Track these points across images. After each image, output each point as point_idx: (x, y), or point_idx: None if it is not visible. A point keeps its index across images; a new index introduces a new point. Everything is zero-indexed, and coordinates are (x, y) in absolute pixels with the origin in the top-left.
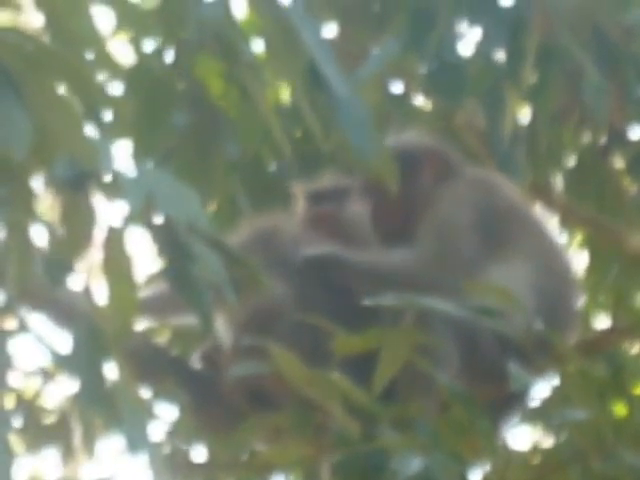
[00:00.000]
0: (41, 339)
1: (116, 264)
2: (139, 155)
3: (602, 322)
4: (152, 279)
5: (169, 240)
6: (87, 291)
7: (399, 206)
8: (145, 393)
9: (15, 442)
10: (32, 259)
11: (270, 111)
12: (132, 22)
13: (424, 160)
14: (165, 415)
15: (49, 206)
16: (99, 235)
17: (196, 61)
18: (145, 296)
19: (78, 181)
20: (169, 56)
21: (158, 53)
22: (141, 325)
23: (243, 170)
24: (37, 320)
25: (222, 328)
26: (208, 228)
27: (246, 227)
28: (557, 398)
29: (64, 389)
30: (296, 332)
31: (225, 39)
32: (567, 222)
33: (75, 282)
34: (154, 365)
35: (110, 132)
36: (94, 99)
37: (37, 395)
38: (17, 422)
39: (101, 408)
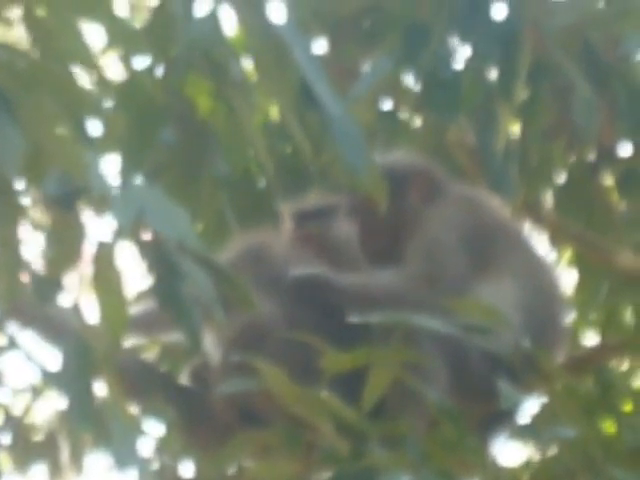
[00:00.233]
0: (30, 356)
1: (106, 280)
2: (128, 171)
3: (591, 339)
4: (141, 296)
5: (158, 257)
6: (76, 307)
7: (386, 226)
8: (134, 409)
9: (3, 459)
10: (22, 275)
11: (256, 130)
12: (122, 39)
13: (411, 180)
14: (153, 431)
15: (39, 222)
16: (89, 250)
17: (185, 79)
18: (134, 313)
19: (68, 198)
20: (159, 73)
21: (148, 70)
22: (130, 342)
23: (231, 187)
24: (26, 337)
25: (211, 345)
26: (197, 245)
27: (235, 244)
28: (546, 415)
29: (53, 406)
30: (285, 349)
31: (214, 57)
32: (556, 239)
33: (65, 298)
34: (143, 382)
35: (100, 147)
36: (84, 114)
37: (26, 412)
38: (5, 439)
39: (90, 424)
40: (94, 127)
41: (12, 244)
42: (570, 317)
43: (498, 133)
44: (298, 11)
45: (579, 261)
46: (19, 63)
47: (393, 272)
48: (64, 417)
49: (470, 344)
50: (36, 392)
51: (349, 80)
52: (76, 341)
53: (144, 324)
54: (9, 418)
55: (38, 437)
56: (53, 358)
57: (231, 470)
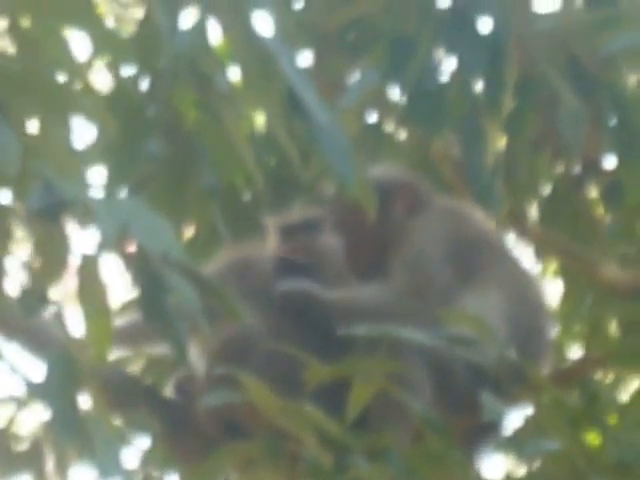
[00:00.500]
0: (15, 367)
1: (90, 292)
2: (114, 183)
3: (576, 352)
4: (126, 308)
5: (143, 269)
6: (61, 320)
7: (372, 238)
8: (118, 421)
9: None
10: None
11: (243, 142)
12: (109, 47)
13: (396, 193)
14: (138, 444)
15: (24, 234)
16: (73, 263)
17: (172, 90)
18: (119, 325)
19: (53, 210)
20: (145, 84)
21: (134, 81)
22: (115, 354)
23: (219, 198)
24: (11, 348)
25: (195, 357)
26: (182, 257)
27: (222, 257)
28: (531, 428)
29: (37, 417)
30: (269, 362)
31: (200, 68)
32: (541, 251)
33: (49, 310)
34: (127, 394)
35: (86, 159)
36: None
37: (10, 423)
38: None
39: (74, 436)
40: (81, 138)
41: None
42: (555, 329)
43: (484, 146)
44: (283, 23)
45: (564, 273)
46: (12, 68)
47: (379, 285)
48: (48, 428)
49: (455, 356)
50: (20, 403)
51: (334, 93)
52: (60, 353)
53: (129, 336)
54: None
55: (22, 447)
56: (37, 369)
57: None
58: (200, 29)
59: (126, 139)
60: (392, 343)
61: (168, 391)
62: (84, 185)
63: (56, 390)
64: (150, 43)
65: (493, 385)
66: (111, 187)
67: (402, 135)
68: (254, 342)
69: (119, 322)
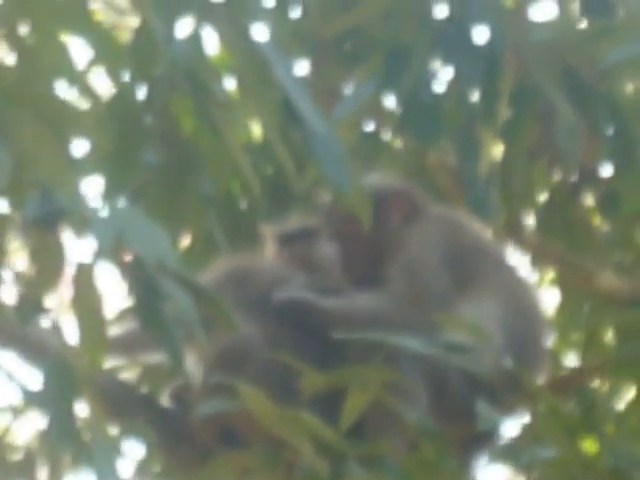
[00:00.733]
0: (11, 376)
1: (86, 301)
2: (110, 192)
3: (573, 360)
4: (122, 316)
5: (139, 278)
6: (57, 328)
7: (368, 247)
8: (114, 430)
9: None
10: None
11: (240, 150)
12: (107, 54)
13: (391, 202)
14: (134, 452)
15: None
16: (69, 272)
17: (168, 98)
18: (115, 334)
19: (49, 219)
20: (142, 93)
21: (131, 89)
22: (111, 362)
23: (216, 207)
24: (7, 357)
25: (192, 366)
26: (178, 266)
27: (219, 265)
28: (527, 436)
29: (33, 426)
30: (266, 370)
31: (196, 77)
32: (538, 260)
33: (45, 319)
34: (123, 402)
35: (82, 168)
36: (68, 132)
37: (6, 432)
38: None
39: (70, 445)
40: (77, 148)
41: None
42: (551, 338)
43: (480, 155)
44: (280, 32)
45: (560, 282)
46: (8, 78)
47: (375, 293)
48: (45, 436)
49: (451, 364)
50: (16, 412)
51: (331, 101)
52: (57, 361)
53: (125, 345)
54: None
55: (17, 456)
56: (34, 378)
57: None
58: (196, 38)
59: (123, 147)
60: (388, 351)
61: (164, 400)
62: (80, 194)
63: (53, 398)
64: (146, 51)
65: (489, 393)
66: (108, 196)
67: (398, 144)
68: (251, 350)
69: (115, 331)
